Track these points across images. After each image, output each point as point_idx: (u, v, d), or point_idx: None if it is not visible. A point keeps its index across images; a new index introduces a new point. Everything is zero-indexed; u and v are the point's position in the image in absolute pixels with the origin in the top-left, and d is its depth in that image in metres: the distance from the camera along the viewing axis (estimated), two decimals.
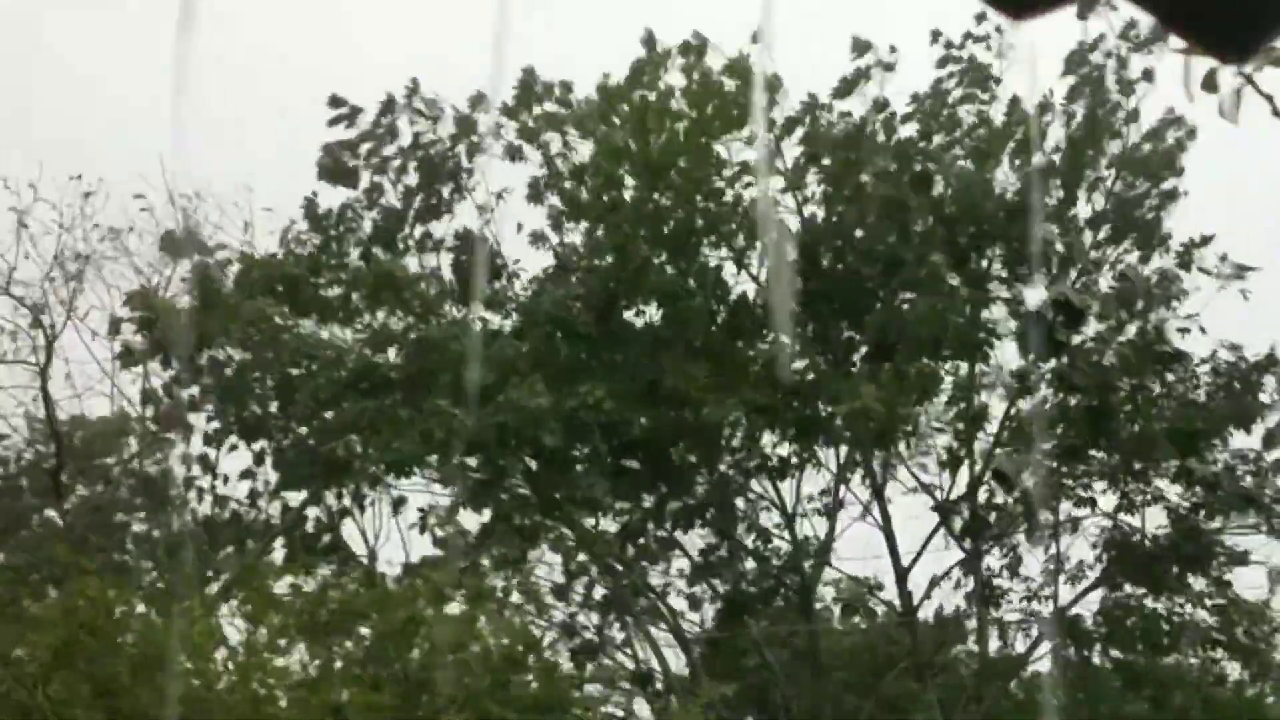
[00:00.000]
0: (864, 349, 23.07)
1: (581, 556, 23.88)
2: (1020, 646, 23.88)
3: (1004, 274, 22.70)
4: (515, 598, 21.27)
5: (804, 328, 22.53)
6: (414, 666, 15.99)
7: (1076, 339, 21.18)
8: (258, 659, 16.03)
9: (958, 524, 23.27)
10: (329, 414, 22.01)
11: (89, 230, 22.98)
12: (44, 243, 22.91)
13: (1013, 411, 23.37)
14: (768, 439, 23.75)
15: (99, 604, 16.04)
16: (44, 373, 22.72)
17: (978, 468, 23.22)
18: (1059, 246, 22.47)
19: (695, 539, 24.50)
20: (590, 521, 23.56)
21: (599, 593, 24.10)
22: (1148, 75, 22.29)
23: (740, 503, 24.43)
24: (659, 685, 24.06)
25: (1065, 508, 23.22)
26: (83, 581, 16.65)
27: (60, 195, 22.98)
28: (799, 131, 22.90)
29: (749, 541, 24.48)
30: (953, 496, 23.40)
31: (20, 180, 22.53)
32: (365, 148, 22.78)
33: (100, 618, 16.00)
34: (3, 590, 19.57)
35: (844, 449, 23.94)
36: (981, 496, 23.29)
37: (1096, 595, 23.30)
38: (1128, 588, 22.85)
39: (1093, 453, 22.67)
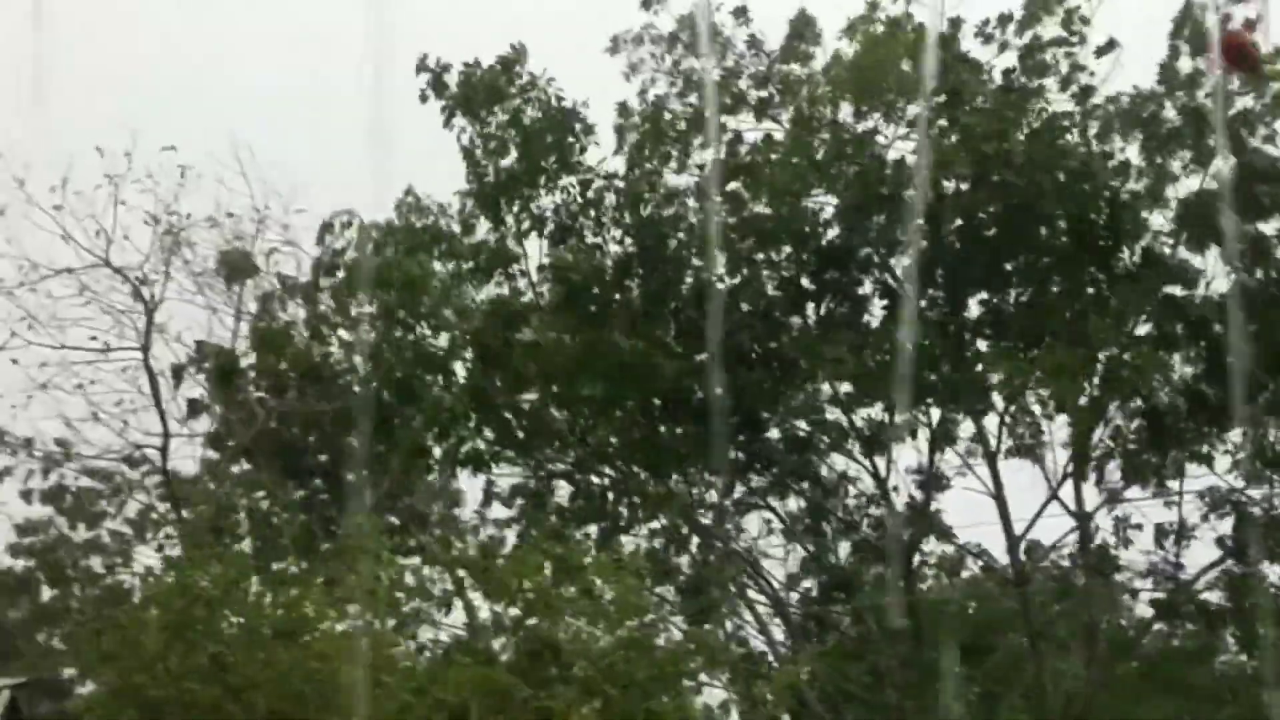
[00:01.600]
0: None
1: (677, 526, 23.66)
2: (1138, 615, 23.35)
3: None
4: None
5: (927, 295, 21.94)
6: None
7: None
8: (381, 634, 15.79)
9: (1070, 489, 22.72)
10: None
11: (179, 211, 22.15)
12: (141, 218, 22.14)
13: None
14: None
15: (214, 580, 15.89)
16: (146, 350, 21.90)
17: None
18: None
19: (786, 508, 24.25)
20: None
21: (697, 564, 23.80)
22: None
23: (834, 472, 24.05)
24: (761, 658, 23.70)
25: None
26: (195, 560, 16.53)
27: (159, 170, 22.03)
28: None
29: (844, 510, 24.09)
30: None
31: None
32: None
33: (213, 593, 15.84)
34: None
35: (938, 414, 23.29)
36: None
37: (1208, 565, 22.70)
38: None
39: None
